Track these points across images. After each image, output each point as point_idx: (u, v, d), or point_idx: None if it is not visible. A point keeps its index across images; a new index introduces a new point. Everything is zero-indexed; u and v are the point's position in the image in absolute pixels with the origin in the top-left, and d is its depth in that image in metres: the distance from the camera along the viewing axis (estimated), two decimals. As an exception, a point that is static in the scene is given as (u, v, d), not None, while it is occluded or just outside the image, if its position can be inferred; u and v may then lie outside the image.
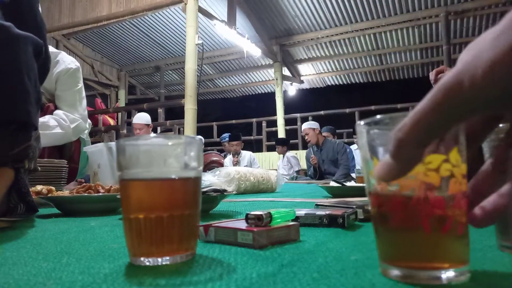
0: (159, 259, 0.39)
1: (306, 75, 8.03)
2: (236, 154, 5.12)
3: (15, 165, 0.66)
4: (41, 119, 1.71)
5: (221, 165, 4.21)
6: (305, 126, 4.57)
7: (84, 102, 1.92)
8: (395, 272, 0.31)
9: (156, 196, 0.40)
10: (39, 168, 0.75)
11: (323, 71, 7.90)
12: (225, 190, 0.92)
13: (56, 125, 1.74)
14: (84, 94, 1.92)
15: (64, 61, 1.83)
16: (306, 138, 4.52)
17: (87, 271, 0.36)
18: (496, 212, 0.31)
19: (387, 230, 0.32)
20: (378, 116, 0.31)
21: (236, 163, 4.99)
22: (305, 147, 6.84)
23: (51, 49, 1.82)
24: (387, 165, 0.29)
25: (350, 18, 6.08)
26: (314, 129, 4.46)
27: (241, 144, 5.21)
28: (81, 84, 1.88)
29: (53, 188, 1.06)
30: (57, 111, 1.80)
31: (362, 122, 0.33)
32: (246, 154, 5.23)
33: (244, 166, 4.79)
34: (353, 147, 5.04)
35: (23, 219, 0.73)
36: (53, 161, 1.39)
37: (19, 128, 0.64)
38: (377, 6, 5.69)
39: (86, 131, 1.97)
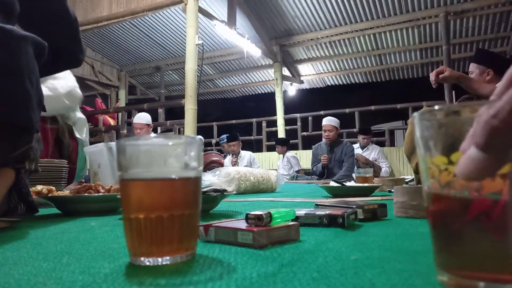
0: (159, 259, 0.39)
1: (306, 75, 8.02)
2: (235, 154, 5.11)
3: (16, 165, 0.66)
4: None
5: (221, 165, 4.21)
6: (329, 121, 4.29)
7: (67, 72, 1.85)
8: (478, 284, 0.27)
9: (156, 196, 0.40)
10: (39, 169, 0.75)
11: (323, 71, 7.90)
12: (225, 190, 0.92)
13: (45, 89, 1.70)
14: None
15: None
16: (326, 134, 4.28)
17: (87, 271, 0.36)
18: None
19: (462, 236, 0.28)
20: (436, 107, 0.28)
21: (234, 164, 4.98)
22: (305, 147, 6.84)
23: None
24: (474, 160, 0.24)
25: (350, 18, 6.08)
26: (337, 128, 4.29)
27: (239, 144, 5.18)
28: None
29: (53, 188, 1.06)
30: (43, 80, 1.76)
31: (416, 114, 0.30)
32: (246, 154, 5.22)
33: (244, 166, 4.79)
34: (354, 146, 5.05)
35: (23, 219, 0.73)
36: (53, 161, 1.39)
37: (21, 131, 0.64)
38: (377, 6, 5.69)
39: (85, 130, 1.96)
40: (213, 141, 7.61)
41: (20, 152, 0.64)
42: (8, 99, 0.60)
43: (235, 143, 5.08)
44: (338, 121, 4.37)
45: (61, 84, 1.78)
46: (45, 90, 1.70)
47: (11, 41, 0.61)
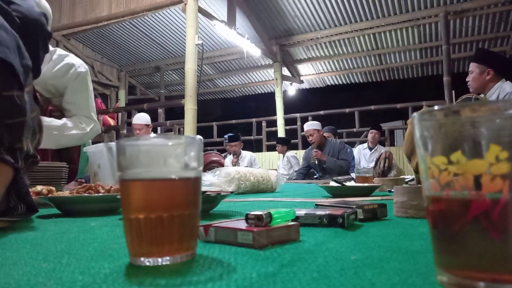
0: (159, 259, 0.39)
1: (305, 75, 8.02)
2: (235, 154, 5.11)
3: (15, 146, 0.63)
4: (59, 121, 1.74)
5: (221, 165, 4.20)
6: (308, 127, 4.38)
7: (94, 103, 1.93)
8: (478, 284, 0.27)
9: (156, 196, 0.40)
10: (38, 157, 0.73)
11: (322, 71, 7.90)
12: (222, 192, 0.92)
13: (72, 126, 1.78)
14: (93, 96, 1.95)
15: (74, 63, 1.82)
16: (310, 139, 4.35)
17: (87, 271, 0.36)
18: None
19: (462, 236, 0.28)
20: (436, 107, 0.28)
21: (235, 164, 4.98)
22: (305, 147, 6.84)
23: (59, 51, 1.84)
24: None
25: (350, 18, 6.08)
26: (318, 130, 4.33)
27: (240, 144, 5.18)
28: (91, 87, 1.91)
29: (53, 188, 1.06)
30: (72, 118, 1.82)
31: (416, 114, 0.30)
32: (246, 155, 5.22)
33: (245, 166, 4.79)
34: (361, 146, 5.11)
35: (23, 219, 0.73)
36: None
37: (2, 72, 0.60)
38: (377, 6, 5.69)
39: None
40: (217, 139, 7.61)
41: (14, 122, 0.62)
42: None
43: (236, 143, 5.08)
44: (318, 123, 4.47)
45: (87, 122, 1.85)
46: (70, 125, 1.78)
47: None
